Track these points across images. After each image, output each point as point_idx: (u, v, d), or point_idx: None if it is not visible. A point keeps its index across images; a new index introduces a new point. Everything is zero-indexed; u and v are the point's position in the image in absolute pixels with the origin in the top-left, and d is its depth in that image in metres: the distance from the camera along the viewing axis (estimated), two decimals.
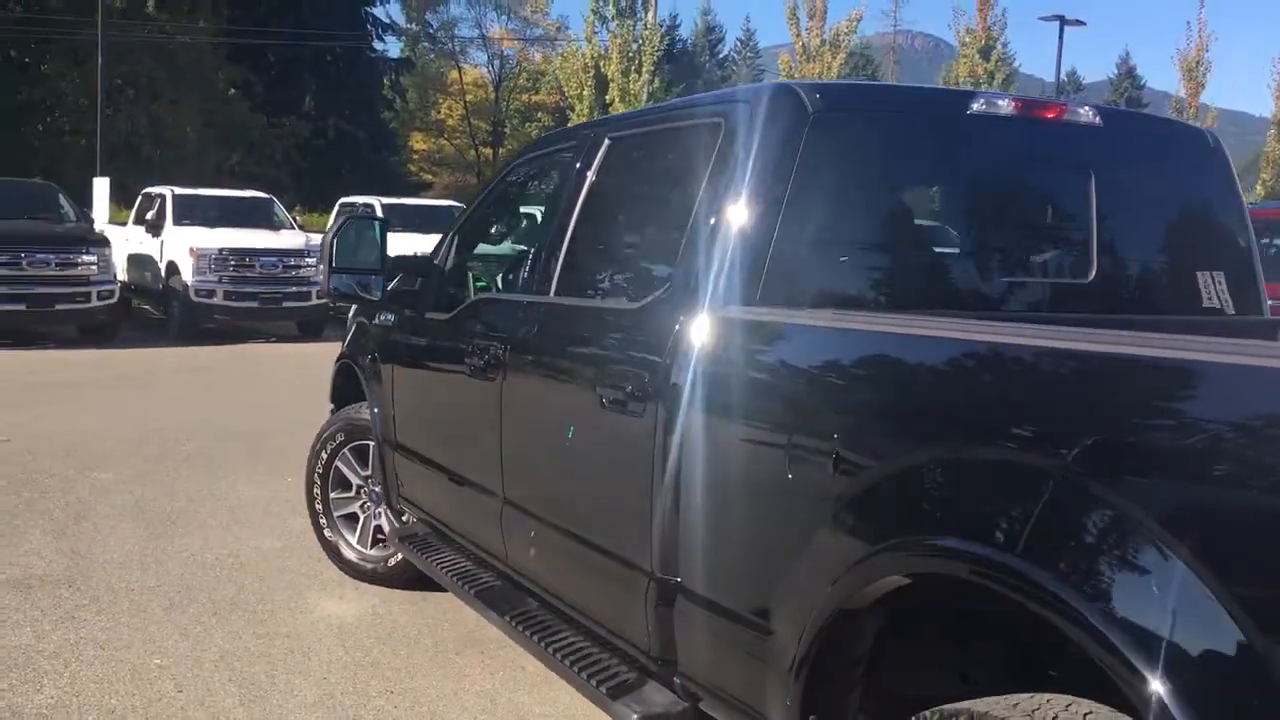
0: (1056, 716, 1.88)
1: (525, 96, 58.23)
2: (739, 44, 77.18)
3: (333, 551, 5.49)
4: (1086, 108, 3.41)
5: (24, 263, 14.15)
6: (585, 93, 29.04)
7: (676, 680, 3.00)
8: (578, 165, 3.85)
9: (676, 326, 2.99)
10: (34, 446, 8.16)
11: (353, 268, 4.61)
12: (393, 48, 56.24)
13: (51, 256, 14.42)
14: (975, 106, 3.23)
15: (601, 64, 28.78)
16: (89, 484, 7.16)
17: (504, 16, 59.13)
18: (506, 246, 5.92)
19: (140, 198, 18.29)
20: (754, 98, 3.12)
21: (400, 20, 58.84)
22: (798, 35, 30.54)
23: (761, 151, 2.99)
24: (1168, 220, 3.60)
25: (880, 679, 2.40)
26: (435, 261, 4.79)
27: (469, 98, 54.35)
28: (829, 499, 2.39)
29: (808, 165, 2.97)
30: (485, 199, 4.91)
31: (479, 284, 5.00)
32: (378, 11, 51.23)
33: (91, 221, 16.89)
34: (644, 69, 28.39)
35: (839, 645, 2.37)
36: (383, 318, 5.09)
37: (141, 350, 14.64)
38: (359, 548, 5.44)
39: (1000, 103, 3.27)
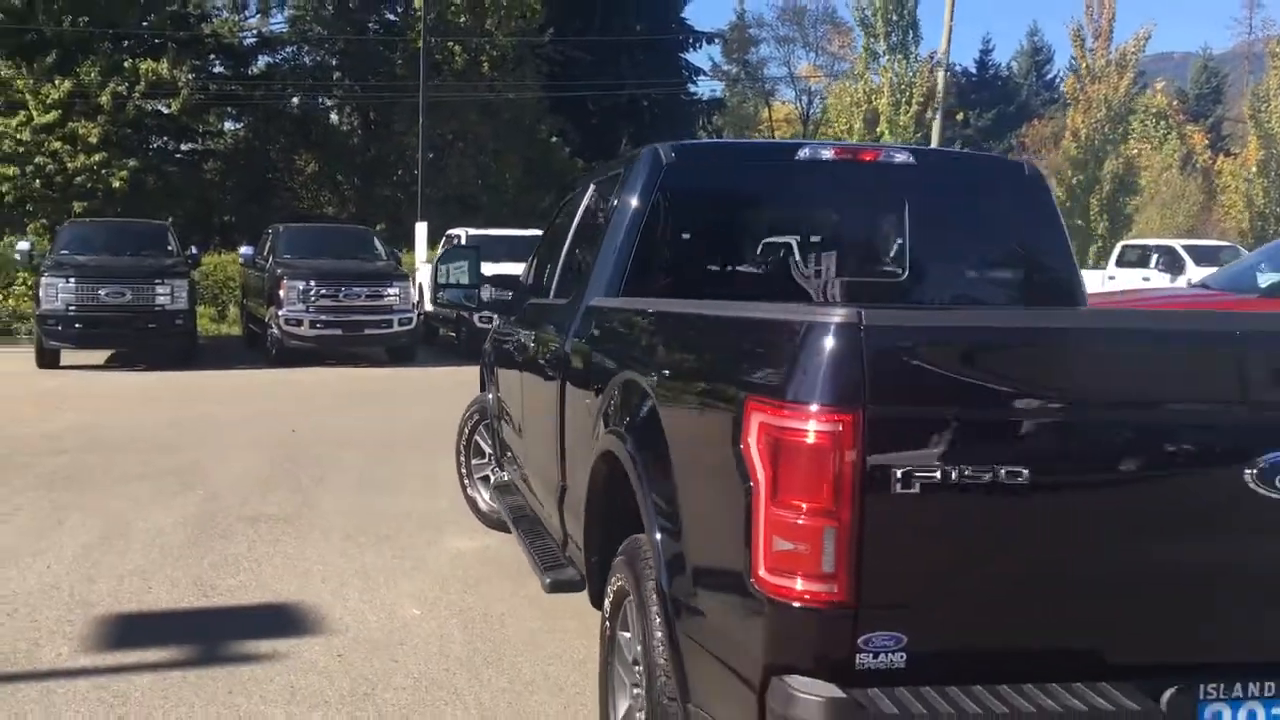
0: None
1: (828, 130, 59.45)
2: (1075, 61, 75.12)
3: (472, 505, 7.17)
4: (902, 151, 4.58)
5: (341, 295, 16.92)
6: (856, 126, 30.15)
7: (567, 554, 4.44)
8: (576, 203, 5.35)
9: (575, 312, 4.44)
10: (311, 437, 10.41)
11: (454, 284, 6.26)
12: (705, 88, 58.96)
13: (363, 289, 17.14)
14: (801, 154, 4.49)
15: (873, 98, 29.80)
16: (336, 460, 9.23)
17: (812, 53, 60.73)
18: None
19: (444, 239, 21.07)
20: (637, 155, 4.54)
21: (720, 61, 61.77)
22: (1082, 56, 30.36)
23: (630, 191, 4.39)
24: (979, 235, 4.68)
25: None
26: (520, 278, 6.40)
27: (778, 133, 56.08)
28: (596, 410, 3.78)
29: (661, 201, 4.35)
30: (549, 226, 6.47)
31: None
32: (694, 57, 53.84)
33: (398, 260, 19.70)
34: (913, 101, 29.17)
35: (596, 489, 3.74)
36: (494, 324, 6.75)
37: (432, 369, 17.08)
38: (489, 501, 7.08)
39: (823, 151, 4.51)
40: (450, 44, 37.18)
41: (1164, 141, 45.42)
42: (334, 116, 41.03)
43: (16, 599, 5.51)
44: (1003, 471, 2.29)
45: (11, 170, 27.93)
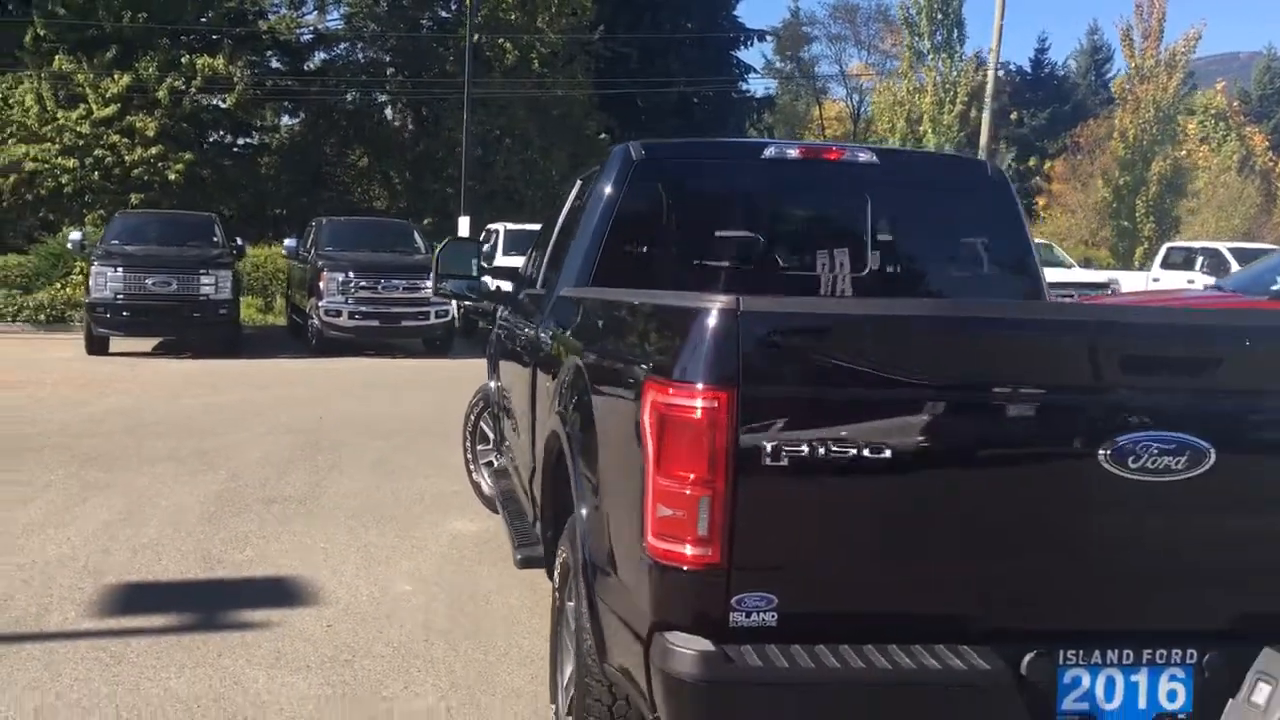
0: None
1: (873, 129, 59.28)
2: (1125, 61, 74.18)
3: (476, 489, 7.42)
4: (866, 151, 4.76)
5: (379, 287, 17.29)
6: (899, 125, 30.14)
7: (538, 532, 4.66)
8: (565, 200, 5.58)
9: (549, 301, 4.67)
10: (337, 423, 10.74)
11: (455, 275, 6.50)
12: (756, 86, 59.09)
13: (401, 282, 17.50)
14: (768, 153, 4.69)
15: (917, 98, 29.78)
16: (356, 446, 9.54)
17: (863, 51, 60.49)
18: None
19: (484, 233, 21.41)
20: (610, 153, 4.75)
21: (773, 59, 61.80)
22: (1131, 56, 30.12)
23: (603, 187, 4.62)
24: (940, 231, 4.85)
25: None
26: (519, 270, 6.63)
27: (828, 131, 55.99)
28: (552, 393, 4.00)
29: (630, 197, 4.57)
30: (545, 220, 6.70)
31: None
32: (745, 55, 53.97)
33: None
34: (958, 101, 29.11)
35: (547, 467, 3.97)
36: (498, 314, 7.00)
37: (467, 361, 17.37)
38: (492, 486, 7.33)
39: (788, 150, 4.70)
40: (501, 41, 37.54)
41: (1223, 143, 44.82)
42: (388, 112, 41.58)
43: (34, 567, 5.84)
44: (866, 449, 2.49)
45: (72, 162, 28.67)
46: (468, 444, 7.50)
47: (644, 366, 2.78)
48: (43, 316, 20.22)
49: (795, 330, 2.54)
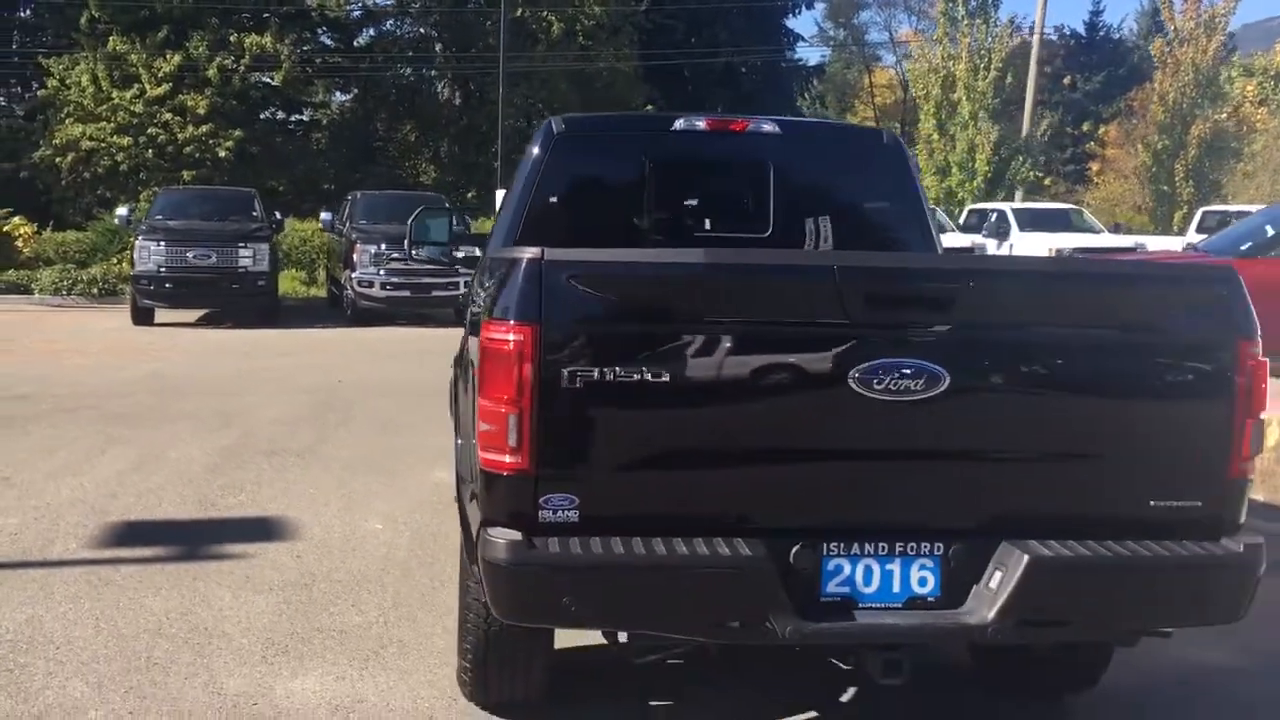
0: None
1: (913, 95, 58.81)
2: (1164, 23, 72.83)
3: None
4: (770, 122, 5.21)
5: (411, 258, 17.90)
6: (933, 92, 30.21)
7: None
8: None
9: (484, 262, 5.18)
10: (354, 387, 11.38)
11: (428, 241, 7.03)
12: (809, 54, 58.98)
13: None
14: (677, 125, 5.16)
15: (952, 64, 29.82)
16: (368, 406, 10.17)
17: (913, 18, 60.09)
18: None
19: None
20: (540, 126, 5.25)
21: (826, 27, 61.65)
22: (1171, 18, 29.90)
23: (528, 158, 5.12)
24: (837, 195, 5.29)
25: None
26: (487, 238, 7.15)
27: (878, 100, 55.84)
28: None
29: (552, 166, 5.07)
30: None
31: None
32: (794, 23, 53.92)
33: (467, 225, 20.64)
34: (991, 67, 29.12)
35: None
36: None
37: None
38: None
39: (697, 121, 5.17)
40: (545, 14, 37.99)
41: None
42: (438, 87, 42.23)
43: (47, 508, 6.50)
44: (648, 374, 2.99)
45: (126, 140, 29.63)
46: (450, 405, 8.06)
47: (483, 310, 3.30)
48: (95, 290, 21.11)
49: (590, 276, 3.04)
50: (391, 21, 40.65)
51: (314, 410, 9.92)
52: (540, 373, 2.97)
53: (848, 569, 3.12)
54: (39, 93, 32.39)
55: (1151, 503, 3.18)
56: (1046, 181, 53.01)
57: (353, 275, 17.81)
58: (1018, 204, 25.57)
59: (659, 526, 3.07)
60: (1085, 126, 54.78)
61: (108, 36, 30.17)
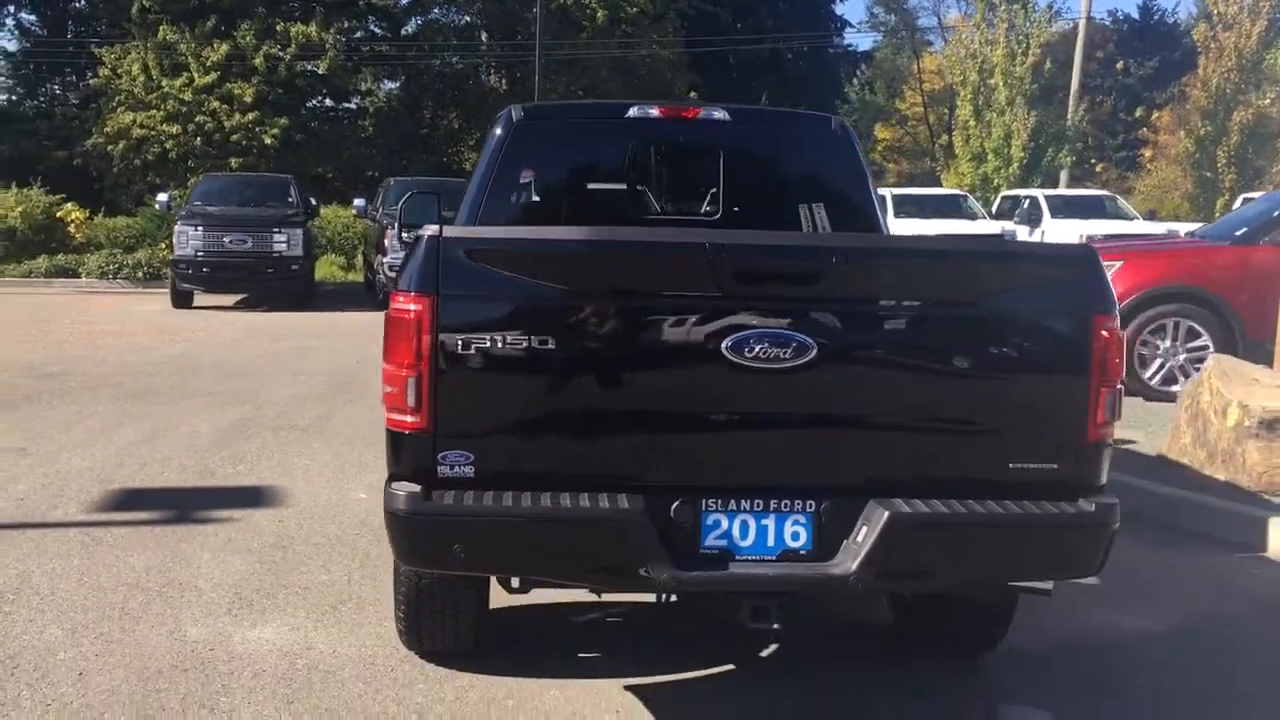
0: None
1: (943, 81, 58.27)
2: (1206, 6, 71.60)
3: None
4: (719, 110, 5.45)
5: None
6: (970, 77, 30.11)
7: None
8: None
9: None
10: (373, 367, 11.73)
11: (417, 225, 7.31)
12: (860, 41, 58.68)
13: None
14: (631, 113, 5.41)
15: (989, 50, 29.69)
16: (379, 386, 10.49)
17: (961, 2, 59.50)
18: None
19: None
20: (501, 114, 5.52)
21: (876, 12, 61.25)
22: (1214, 1, 29.54)
23: (488, 145, 5.40)
24: (785, 179, 5.51)
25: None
26: None
27: (926, 85, 55.46)
28: None
29: (510, 153, 5.34)
30: None
31: None
32: (844, 9, 53.68)
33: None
34: (1030, 53, 28.96)
35: None
36: None
37: None
38: None
39: (650, 109, 5.41)
40: (590, 1, 38.26)
41: None
42: (484, 75, 42.66)
43: (56, 475, 6.90)
44: (536, 342, 3.25)
45: (175, 128, 30.34)
46: None
47: (391, 282, 3.59)
48: (140, 274, 21.70)
49: (483, 252, 3.30)
50: (438, 10, 41.08)
51: (328, 390, 10.28)
52: (437, 340, 3.25)
53: (725, 524, 3.36)
54: (91, 81, 33.22)
55: (1011, 465, 3.39)
56: (1099, 168, 52.53)
57: (384, 260, 18.14)
58: (1051, 190, 25.45)
59: (549, 482, 3.33)
60: (1138, 112, 54.05)
61: (158, 26, 30.85)
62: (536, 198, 5.43)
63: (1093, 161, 52.86)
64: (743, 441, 3.40)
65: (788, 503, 3.38)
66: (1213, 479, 6.75)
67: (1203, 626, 5.01)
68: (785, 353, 3.25)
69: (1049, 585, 3.72)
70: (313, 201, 20.26)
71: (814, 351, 3.26)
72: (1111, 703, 4.17)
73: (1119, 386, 3.44)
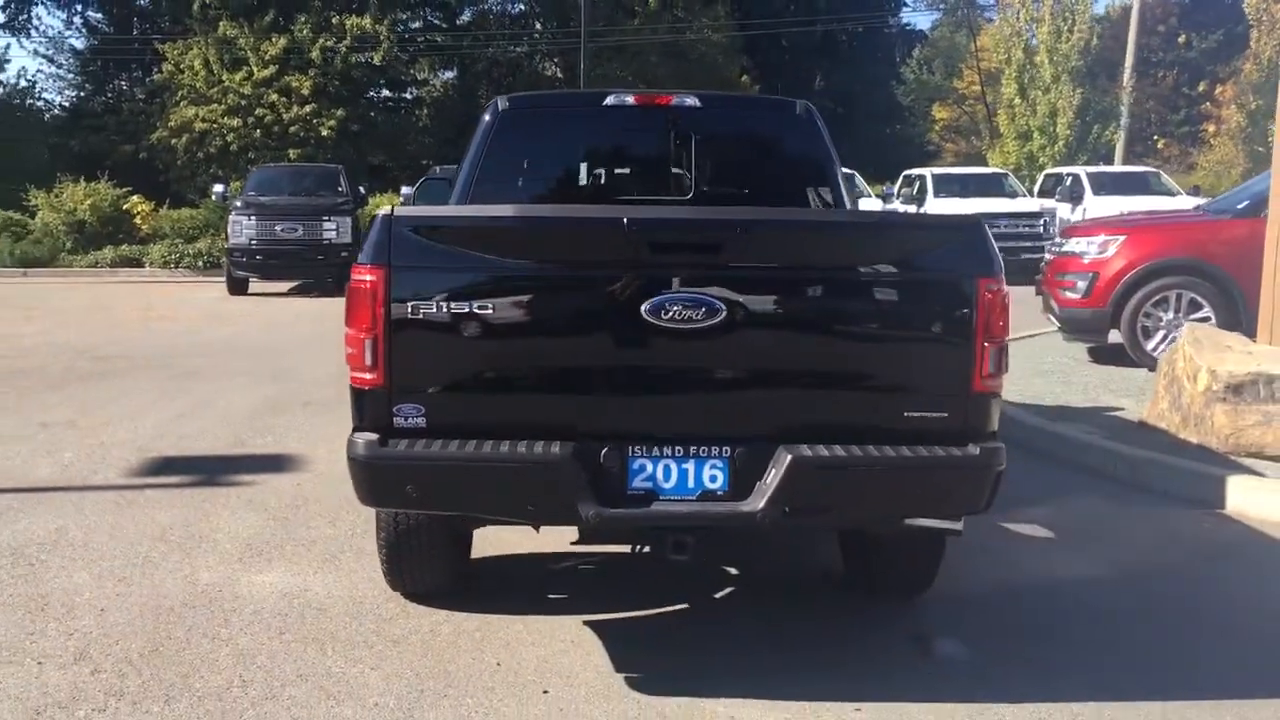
0: None
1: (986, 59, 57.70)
2: None
3: None
4: (691, 97, 5.84)
5: None
6: (1014, 55, 30.03)
7: None
8: None
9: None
10: None
11: None
12: (918, 19, 58.23)
13: None
14: (608, 101, 5.82)
15: (1035, 27, 29.60)
16: None
17: None
18: None
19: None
20: (489, 104, 5.96)
21: None
22: None
23: (477, 132, 5.83)
24: (752, 161, 5.89)
25: None
26: None
27: (984, 64, 54.98)
28: None
29: (498, 139, 5.77)
30: None
31: None
32: None
33: None
34: (1075, 30, 28.84)
35: None
36: None
37: None
38: None
39: (626, 97, 5.82)
40: None
41: None
42: (538, 63, 43.20)
43: (99, 445, 7.48)
44: (476, 307, 3.68)
45: (236, 121, 31.26)
46: None
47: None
48: (200, 263, 22.54)
49: (428, 228, 3.74)
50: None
51: None
52: (389, 306, 3.69)
53: (650, 468, 3.77)
54: (155, 77, 34.25)
55: (906, 414, 3.77)
56: (1160, 143, 51.85)
57: None
58: (1093, 168, 25.40)
59: (492, 431, 3.76)
60: (1201, 86, 53.21)
61: (218, 22, 31.79)
62: (521, 180, 5.86)
63: (1155, 138, 52.23)
64: (664, 394, 3.81)
65: (706, 449, 3.78)
66: (1186, 442, 7.03)
67: (1143, 574, 5.32)
68: (697, 315, 3.65)
69: (959, 525, 4.10)
70: (362, 190, 20.89)
71: (723, 313, 3.66)
72: (1038, 643, 4.51)
73: (1004, 342, 3.80)
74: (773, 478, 3.68)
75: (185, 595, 4.81)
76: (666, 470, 3.78)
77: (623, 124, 5.87)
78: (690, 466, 3.79)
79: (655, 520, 3.79)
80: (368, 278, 3.71)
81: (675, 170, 5.82)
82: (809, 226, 3.93)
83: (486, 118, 5.83)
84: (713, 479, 3.79)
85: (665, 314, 3.65)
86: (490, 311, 3.70)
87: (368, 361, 3.74)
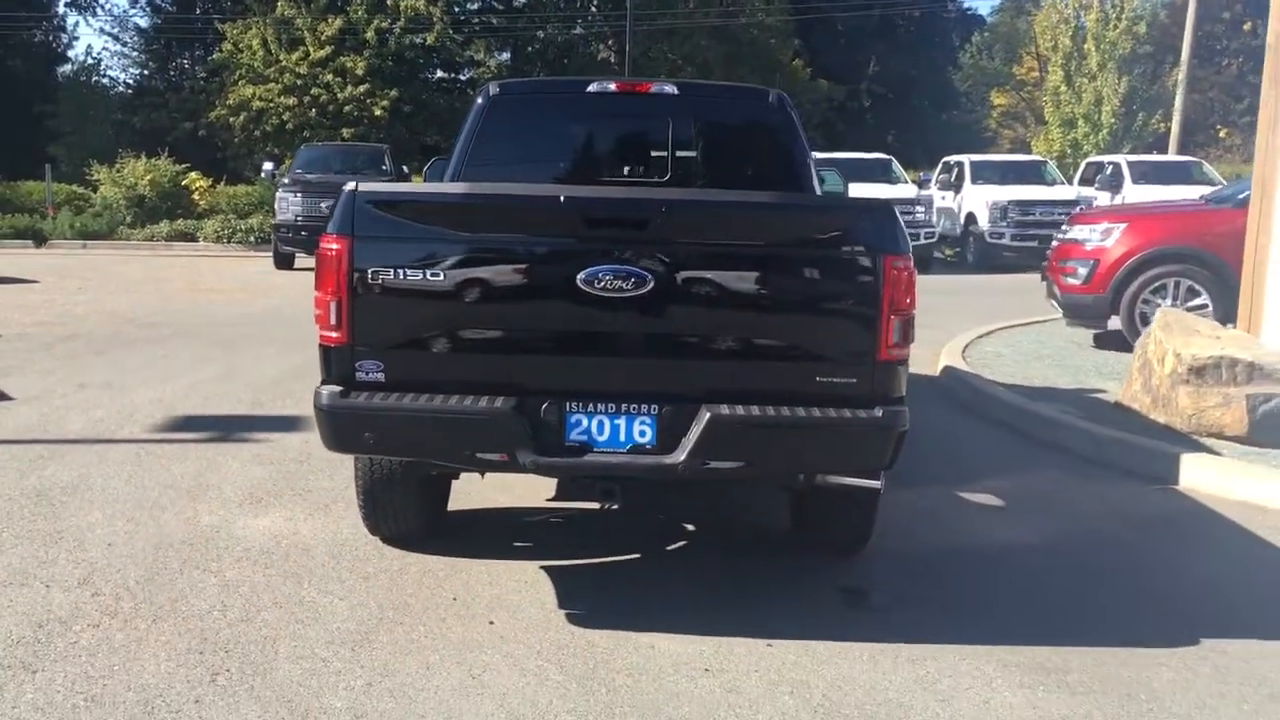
0: None
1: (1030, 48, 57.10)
2: None
3: None
4: (670, 85, 6.21)
5: None
6: (1061, 42, 29.93)
7: None
8: None
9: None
10: None
11: None
12: (979, 4, 57.74)
13: None
14: (591, 88, 6.21)
15: (1083, 14, 29.47)
16: None
17: None
18: None
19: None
20: (481, 89, 6.37)
21: None
22: None
23: (469, 116, 6.25)
24: (726, 146, 6.26)
25: None
26: None
27: (1041, 49, 54.51)
28: None
29: (488, 123, 6.18)
30: None
31: None
32: None
33: None
34: (1123, 17, 28.68)
35: None
36: None
37: None
38: None
39: (608, 85, 6.21)
40: None
41: None
42: (591, 45, 43.59)
43: (130, 404, 8.03)
44: (429, 274, 4.11)
45: (292, 100, 32.00)
46: None
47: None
48: (252, 238, 23.25)
49: (387, 203, 4.17)
50: None
51: None
52: (351, 271, 4.13)
53: (585, 422, 4.18)
54: (215, 56, 35.08)
55: (818, 379, 4.14)
56: (1223, 133, 51.18)
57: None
58: (1135, 156, 25.32)
59: (445, 387, 4.19)
60: None
61: (276, 2, 32.49)
62: (509, 161, 6.27)
63: (1217, 126, 51.56)
64: (598, 356, 4.21)
65: (636, 407, 4.18)
66: (1154, 422, 7.30)
67: (1077, 540, 5.64)
68: (626, 284, 4.05)
69: (878, 483, 4.48)
70: (404, 169, 21.45)
71: (650, 284, 4.05)
72: (957, 595, 4.86)
73: (910, 315, 4.15)
74: (694, 433, 4.07)
75: (186, 534, 5.30)
76: (600, 425, 4.19)
77: (606, 110, 6.24)
78: (622, 422, 4.19)
79: (588, 470, 4.19)
80: (333, 246, 4.15)
81: (654, 153, 6.19)
82: (728, 207, 4.30)
83: (479, 101, 6.24)
84: (642, 434, 4.18)
85: (598, 283, 4.05)
86: (442, 279, 4.12)
87: (333, 321, 4.19)
